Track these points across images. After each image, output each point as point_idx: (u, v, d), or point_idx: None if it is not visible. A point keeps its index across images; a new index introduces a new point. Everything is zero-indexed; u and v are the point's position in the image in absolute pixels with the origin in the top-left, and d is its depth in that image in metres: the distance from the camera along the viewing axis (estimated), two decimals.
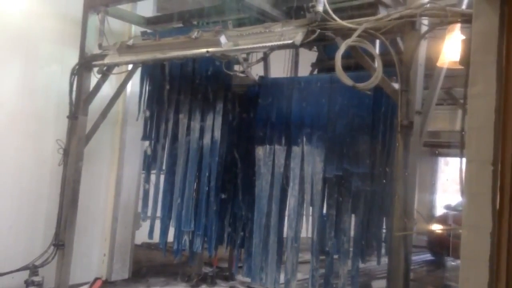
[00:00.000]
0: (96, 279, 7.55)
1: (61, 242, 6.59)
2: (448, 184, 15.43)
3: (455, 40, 3.87)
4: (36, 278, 6.56)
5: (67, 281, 6.66)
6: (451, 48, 3.96)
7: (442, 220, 11.94)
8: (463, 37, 3.79)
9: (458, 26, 3.87)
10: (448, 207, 12.34)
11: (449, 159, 15.30)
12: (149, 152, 6.89)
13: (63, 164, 6.77)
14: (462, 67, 3.21)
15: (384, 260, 5.19)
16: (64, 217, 6.67)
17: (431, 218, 13.40)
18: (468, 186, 2.56)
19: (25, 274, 6.58)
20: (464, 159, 2.64)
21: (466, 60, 2.75)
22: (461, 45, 3.31)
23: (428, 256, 11.89)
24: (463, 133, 3.20)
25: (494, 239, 2.46)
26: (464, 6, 4.85)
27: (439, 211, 14.38)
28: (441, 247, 10.83)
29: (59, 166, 6.79)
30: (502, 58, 2.51)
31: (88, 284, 7.31)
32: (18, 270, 6.56)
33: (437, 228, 11.63)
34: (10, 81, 6.74)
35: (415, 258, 11.33)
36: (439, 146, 12.14)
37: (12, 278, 6.55)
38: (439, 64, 4.29)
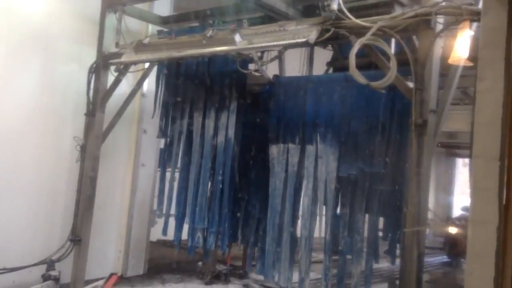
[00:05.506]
0: (111, 274, 7.66)
1: (77, 238, 6.70)
2: (466, 185, 15.25)
3: (465, 37, 3.84)
4: (53, 273, 6.70)
5: (83, 276, 6.77)
6: (461, 45, 3.93)
7: (459, 221, 11.84)
8: (472, 33, 3.77)
9: (468, 23, 3.84)
10: (465, 208, 12.23)
11: (467, 160, 15.13)
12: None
13: (80, 161, 6.89)
14: (473, 64, 3.20)
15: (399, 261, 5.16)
16: (80, 213, 6.79)
17: (448, 219, 13.28)
18: (475, 181, 2.56)
19: (42, 269, 6.73)
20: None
21: (474, 56, 2.74)
22: (470, 42, 3.29)
23: (444, 258, 11.78)
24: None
25: (500, 234, 2.45)
26: (480, 5, 4.81)
27: (457, 212, 14.25)
28: (457, 248, 10.75)
29: (76, 163, 6.91)
30: (510, 54, 2.49)
31: (103, 279, 7.39)
32: (35, 265, 6.70)
33: (452, 229, 11.53)
34: (29, 79, 6.86)
35: (431, 259, 11.24)
36: (456, 147, 12.01)
37: (29, 272, 6.67)
38: (450, 61, 4.27)
